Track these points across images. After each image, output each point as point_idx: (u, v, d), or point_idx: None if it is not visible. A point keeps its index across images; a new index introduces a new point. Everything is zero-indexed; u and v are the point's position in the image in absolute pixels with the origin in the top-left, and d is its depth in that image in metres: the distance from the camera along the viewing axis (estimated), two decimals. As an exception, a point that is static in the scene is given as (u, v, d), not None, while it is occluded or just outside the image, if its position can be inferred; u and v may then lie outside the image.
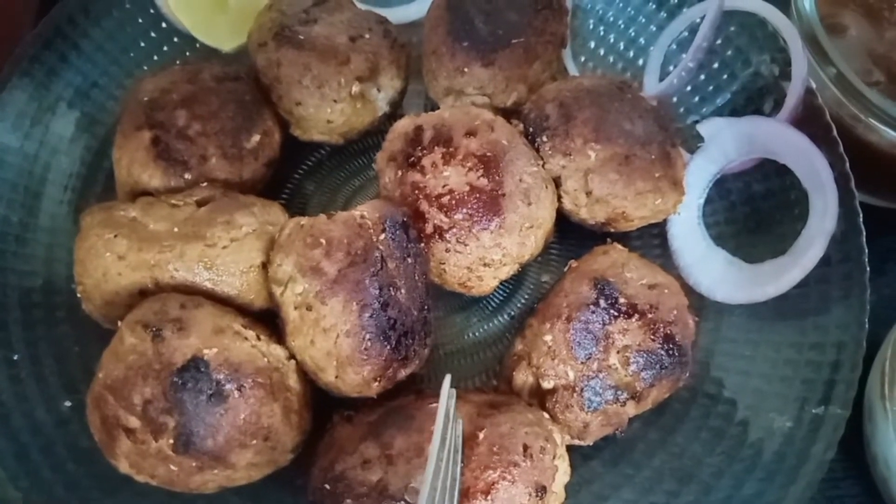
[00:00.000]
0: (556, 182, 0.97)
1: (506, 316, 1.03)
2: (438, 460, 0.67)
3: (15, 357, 0.89)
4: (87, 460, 0.84)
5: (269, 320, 0.85)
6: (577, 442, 0.86)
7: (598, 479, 0.90)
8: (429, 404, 0.79)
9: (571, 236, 1.05)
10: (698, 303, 0.98)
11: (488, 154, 0.90)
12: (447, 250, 0.89)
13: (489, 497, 0.73)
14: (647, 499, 0.88)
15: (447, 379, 0.73)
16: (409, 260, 0.84)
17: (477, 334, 1.02)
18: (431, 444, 0.67)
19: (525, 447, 0.76)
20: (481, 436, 0.76)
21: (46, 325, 0.93)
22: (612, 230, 1.00)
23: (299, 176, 1.11)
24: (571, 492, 0.88)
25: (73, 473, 0.84)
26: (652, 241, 1.06)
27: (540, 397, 0.86)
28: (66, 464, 0.84)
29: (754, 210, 1.05)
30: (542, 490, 0.76)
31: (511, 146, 0.92)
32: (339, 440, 0.79)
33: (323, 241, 0.78)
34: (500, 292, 1.04)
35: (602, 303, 0.84)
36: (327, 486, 0.75)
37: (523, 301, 1.04)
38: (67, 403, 0.88)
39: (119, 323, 0.79)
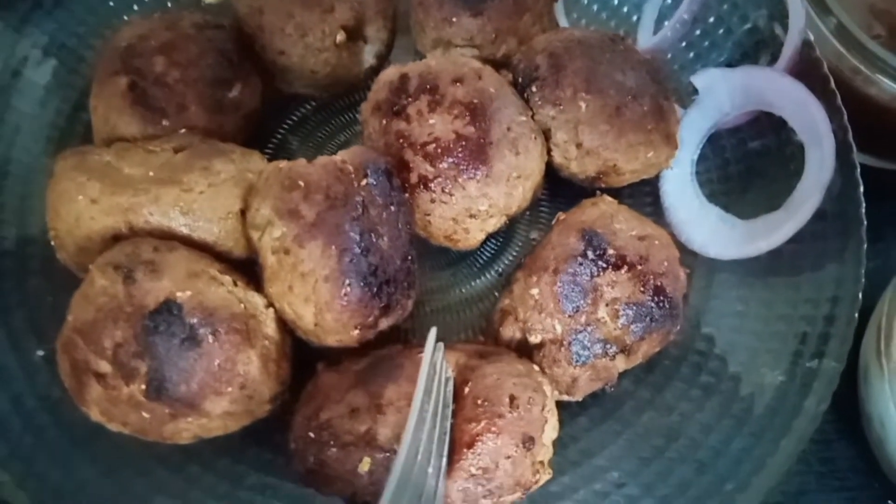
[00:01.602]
0: (546, 135, 0.94)
1: (493, 273, 1.00)
2: (423, 412, 0.65)
3: (-16, 305, 0.87)
4: (59, 411, 0.81)
5: (248, 271, 0.83)
6: (565, 398, 0.84)
7: (585, 436, 0.88)
8: (417, 353, 0.77)
9: (561, 194, 1.03)
10: (690, 260, 0.95)
11: (475, 101, 0.87)
12: (432, 200, 0.86)
13: (473, 449, 0.71)
14: (634, 455, 0.86)
15: (432, 332, 0.70)
16: (392, 208, 0.81)
17: (463, 291, 0.99)
18: (414, 396, 0.65)
19: (512, 398, 0.74)
20: (466, 389, 0.74)
21: (19, 275, 0.90)
22: (603, 185, 0.97)
23: (283, 131, 1.09)
24: (558, 448, 0.86)
25: (44, 424, 0.82)
26: (644, 199, 1.04)
27: (527, 353, 0.83)
28: (37, 414, 0.82)
29: (748, 167, 1.03)
30: (529, 441, 0.73)
31: (499, 95, 0.90)
32: (325, 388, 0.77)
33: (301, 183, 0.75)
34: (488, 249, 1.01)
35: (590, 254, 0.82)
36: (311, 435, 0.73)
37: (511, 258, 1.01)
38: (39, 353, 0.85)
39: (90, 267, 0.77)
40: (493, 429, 0.72)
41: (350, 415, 0.73)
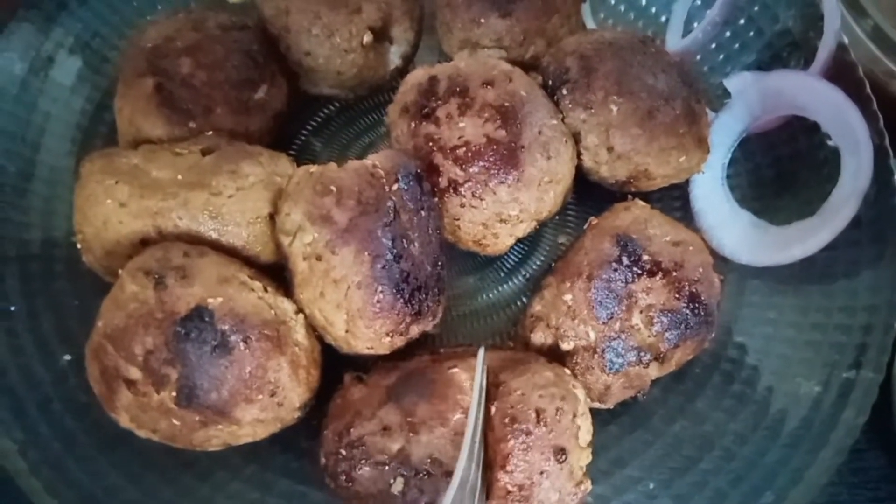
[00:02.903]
0: (576, 138, 0.93)
1: (521, 278, 0.99)
2: (473, 434, 0.65)
3: (11, 308, 0.86)
4: (85, 416, 0.81)
5: (276, 275, 0.82)
6: (597, 405, 0.83)
7: (615, 445, 0.87)
8: (448, 368, 0.76)
9: (590, 198, 1.01)
10: (720, 267, 0.93)
11: (506, 104, 0.86)
12: (462, 205, 0.85)
13: (506, 469, 0.70)
14: (665, 465, 0.85)
15: (481, 353, 0.70)
16: (423, 213, 0.80)
17: (491, 296, 0.98)
18: (468, 422, 0.64)
19: (538, 412, 0.73)
20: (493, 408, 0.73)
21: (45, 278, 0.90)
22: (633, 190, 0.96)
23: (307, 133, 1.08)
24: (588, 457, 0.85)
25: (71, 429, 0.81)
26: (673, 204, 1.03)
27: (559, 359, 0.82)
28: (64, 419, 0.81)
29: (780, 172, 1.01)
30: (561, 452, 0.72)
31: (530, 98, 0.88)
32: (355, 403, 0.75)
33: (333, 188, 0.74)
34: (516, 253, 1.00)
35: (625, 260, 0.81)
36: (342, 452, 0.72)
37: (539, 263, 1.00)
38: (66, 357, 0.85)
39: (120, 272, 0.76)
40: (522, 446, 0.71)
41: (382, 433, 0.72)
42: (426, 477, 0.69)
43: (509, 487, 0.70)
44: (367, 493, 0.71)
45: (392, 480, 0.70)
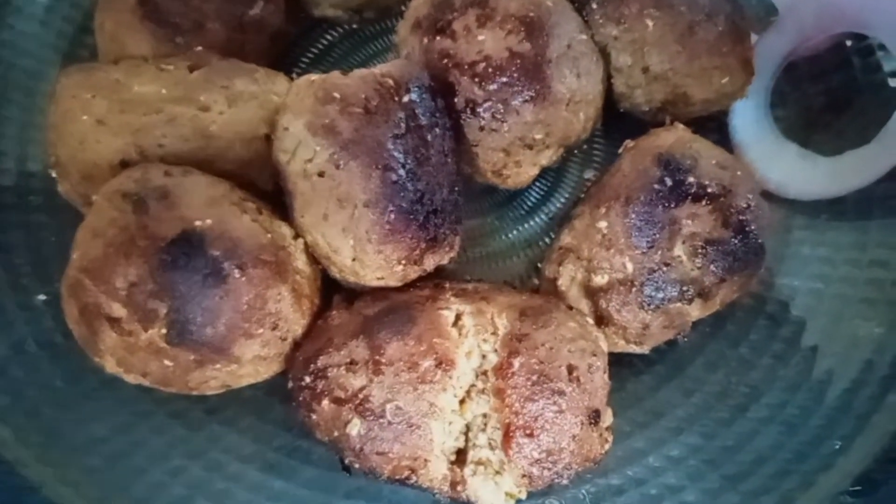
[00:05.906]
0: (605, 60, 0.83)
1: (543, 216, 0.90)
2: None
3: (-19, 242, 0.78)
4: (63, 359, 0.73)
5: (271, 203, 0.73)
6: (632, 348, 0.74)
7: (650, 396, 0.79)
8: (438, 308, 0.68)
9: (617, 130, 0.92)
10: (765, 201, 0.85)
11: (531, 15, 0.77)
12: (481, 128, 0.76)
13: (534, 435, 0.63)
14: (709, 416, 0.77)
15: None
16: (437, 131, 0.71)
17: (510, 236, 0.89)
18: None
19: (570, 369, 0.65)
20: (517, 363, 0.65)
21: (19, 210, 0.82)
22: (669, 117, 0.86)
23: (308, 60, 0.98)
24: (620, 409, 0.77)
25: (48, 374, 0.73)
26: (709, 137, 0.92)
27: (591, 296, 0.73)
28: (39, 362, 0.74)
29: (831, 99, 0.92)
30: (594, 415, 0.65)
31: (557, 8, 0.79)
32: (331, 329, 0.68)
33: (337, 95, 0.65)
34: (537, 190, 0.91)
35: (668, 181, 0.71)
36: (307, 380, 0.65)
37: (563, 200, 0.91)
38: (41, 297, 0.77)
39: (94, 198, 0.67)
40: (554, 408, 0.63)
41: (348, 367, 0.65)
42: (386, 424, 0.62)
43: (536, 454, 0.63)
44: (327, 428, 0.64)
45: (349, 420, 0.63)
